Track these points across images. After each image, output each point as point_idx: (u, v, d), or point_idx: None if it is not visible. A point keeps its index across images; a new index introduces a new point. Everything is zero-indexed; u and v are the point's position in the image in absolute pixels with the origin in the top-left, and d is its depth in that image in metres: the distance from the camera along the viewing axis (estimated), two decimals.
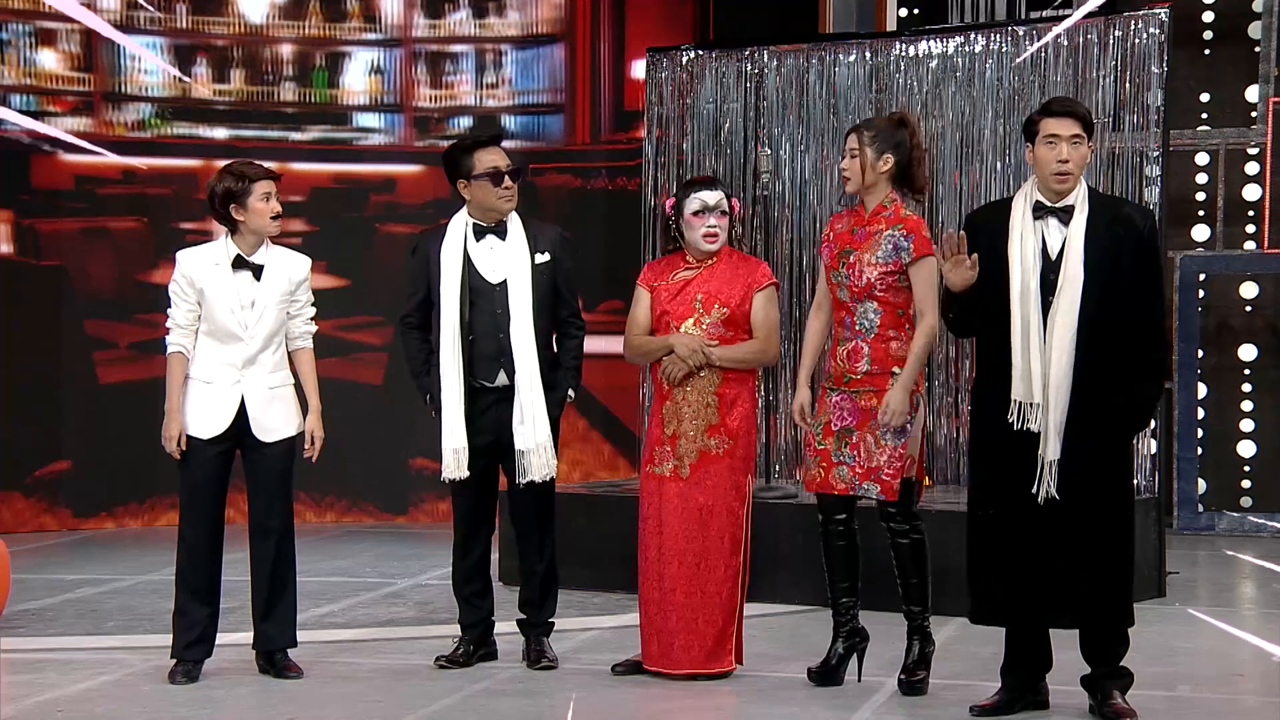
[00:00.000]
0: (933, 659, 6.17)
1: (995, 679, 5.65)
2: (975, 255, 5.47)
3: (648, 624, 6.38)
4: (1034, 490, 5.45)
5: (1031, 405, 5.46)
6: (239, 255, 6.38)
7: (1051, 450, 5.46)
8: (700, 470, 6.33)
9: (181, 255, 6.46)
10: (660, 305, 6.41)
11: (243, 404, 6.35)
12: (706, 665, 6.32)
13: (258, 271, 6.38)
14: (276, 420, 6.40)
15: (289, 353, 6.50)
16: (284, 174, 11.42)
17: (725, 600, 6.33)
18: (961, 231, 5.56)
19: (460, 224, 6.61)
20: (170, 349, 6.41)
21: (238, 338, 6.35)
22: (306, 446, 6.47)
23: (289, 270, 6.46)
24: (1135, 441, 5.86)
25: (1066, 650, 5.70)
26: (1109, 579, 5.51)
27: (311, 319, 6.55)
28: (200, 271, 6.37)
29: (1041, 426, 5.45)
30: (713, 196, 6.37)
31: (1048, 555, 5.46)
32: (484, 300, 6.53)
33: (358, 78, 11.58)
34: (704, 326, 6.34)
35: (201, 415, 6.36)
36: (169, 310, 6.43)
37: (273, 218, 6.38)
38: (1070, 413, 5.46)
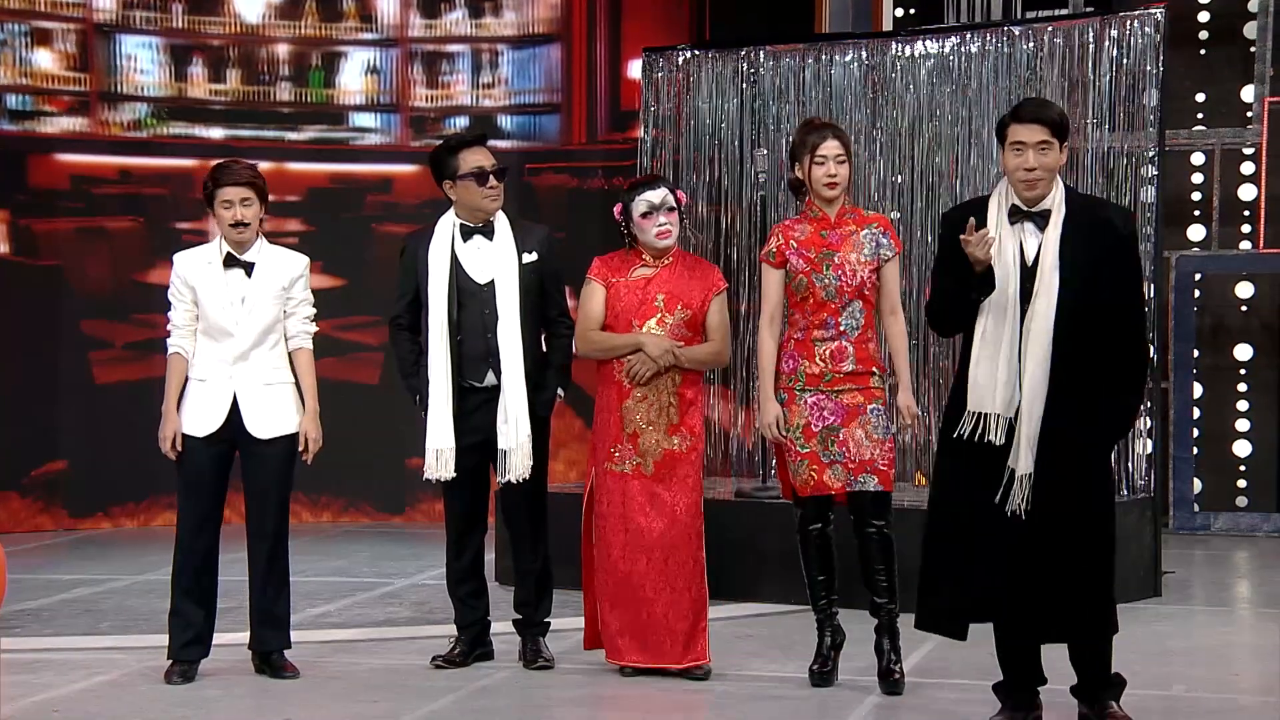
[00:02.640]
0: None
1: (985, 677, 5.62)
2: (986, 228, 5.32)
3: (615, 620, 6.40)
4: (998, 501, 5.26)
5: (997, 418, 5.28)
6: (229, 254, 6.40)
7: (1024, 464, 5.27)
8: (664, 468, 6.36)
9: (177, 257, 6.51)
10: (619, 302, 6.42)
11: (236, 401, 6.36)
12: (680, 659, 6.35)
13: (249, 269, 6.39)
14: (271, 417, 6.39)
15: (289, 353, 6.51)
16: (280, 174, 11.54)
17: (694, 595, 6.37)
18: (972, 219, 5.33)
19: (448, 224, 6.62)
20: (169, 350, 6.46)
21: (229, 334, 6.36)
22: (300, 448, 6.47)
23: (283, 268, 6.46)
24: (1127, 443, 5.70)
25: (1062, 651, 5.68)
26: (1090, 594, 5.33)
27: (309, 319, 6.53)
28: (193, 271, 6.40)
29: (1015, 438, 5.26)
30: (657, 195, 6.40)
31: (1024, 569, 5.28)
32: (472, 300, 6.54)
33: (354, 77, 11.58)
34: (667, 326, 6.37)
35: (196, 413, 6.37)
36: (169, 313, 6.47)
37: (233, 225, 6.36)
38: (1045, 424, 5.27)
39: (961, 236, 5.31)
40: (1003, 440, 5.30)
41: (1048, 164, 5.34)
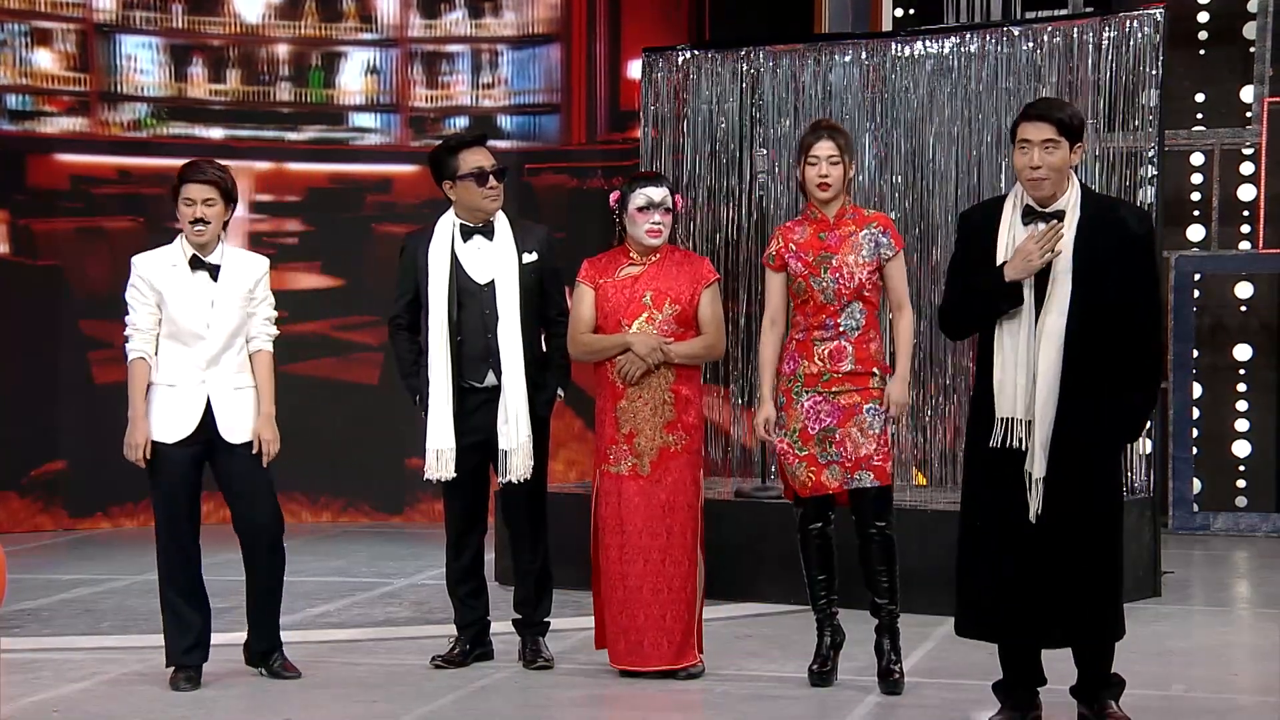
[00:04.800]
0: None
1: (985, 677, 5.63)
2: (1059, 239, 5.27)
3: (613, 623, 6.40)
4: (1029, 508, 5.26)
5: (1017, 421, 5.27)
6: (195, 255, 6.33)
7: (1039, 467, 5.27)
8: (660, 467, 6.35)
9: (137, 260, 6.40)
10: (607, 302, 6.41)
11: (209, 406, 6.29)
12: (676, 661, 6.36)
13: (214, 272, 6.33)
14: (244, 420, 6.32)
15: (249, 355, 6.40)
16: (280, 174, 11.57)
17: (689, 595, 6.37)
18: (1054, 221, 5.30)
19: (448, 224, 6.62)
20: (131, 356, 6.34)
21: (200, 337, 6.28)
22: (255, 450, 6.34)
23: (247, 270, 6.39)
24: (1124, 450, 5.65)
25: (1062, 651, 5.68)
26: (1098, 596, 5.32)
27: (270, 319, 6.42)
28: (158, 274, 6.32)
29: (1030, 442, 5.26)
30: (657, 193, 6.39)
31: (1036, 571, 5.29)
32: (472, 301, 6.55)
33: (354, 78, 11.59)
34: (656, 324, 6.36)
35: (168, 419, 6.28)
36: (127, 317, 6.35)
37: (192, 222, 6.28)
38: (1057, 426, 5.26)
39: (1031, 236, 5.26)
40: (1026, 446, 5.29)
41: (1053, 163, 5.29)
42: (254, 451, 6.34)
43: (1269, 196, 11.09)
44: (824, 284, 6.18)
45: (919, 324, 8.74)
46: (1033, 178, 5.32)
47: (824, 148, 6.21)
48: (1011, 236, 5.34)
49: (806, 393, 6.19)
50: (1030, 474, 5.28)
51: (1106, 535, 5.35)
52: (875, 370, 6.22)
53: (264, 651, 6.48)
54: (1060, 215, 5.32)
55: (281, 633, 6.52)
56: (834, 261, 6.19)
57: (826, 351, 6.18)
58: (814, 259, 6.20)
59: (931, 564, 7.18)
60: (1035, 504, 5.28)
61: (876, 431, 6.17)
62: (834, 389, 6.18)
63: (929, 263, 9.11)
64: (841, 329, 6.18)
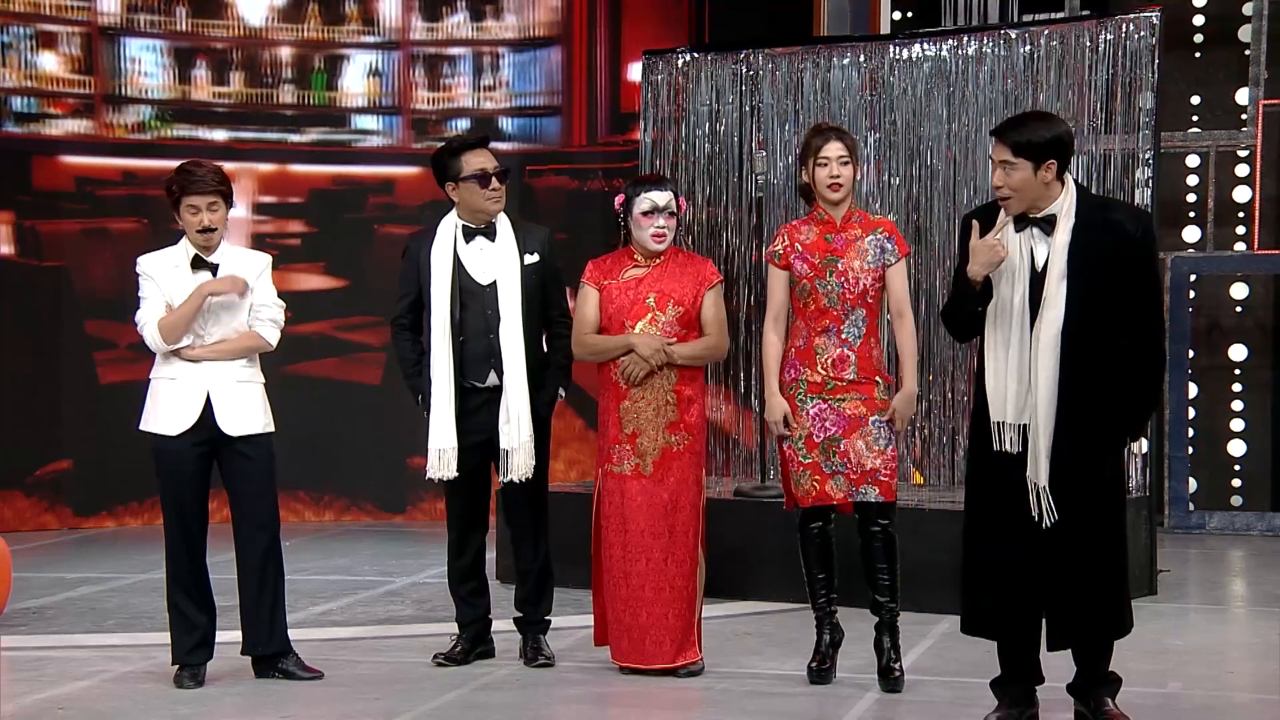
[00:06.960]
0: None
1: (984, 674, 5.66)
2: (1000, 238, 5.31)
3: (615, 621, 6.44)
4: (1034, 516, 5.26)
5: (1010, 426, 5.27)
6: (196, 255, 6.36)
7: (1041, 474, 5.26)
8: (663, 467, 6.39)
9: (141, 260, 6.45)
10: (611, 304, 6.45)
11: (209, 399, 6.30)
12: (676, 658, 6.40)
13: (215, 270, 6.35)
14: (246, 414, 6.33)
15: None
16: (283, 176, 11.60)
17: (690, 594, 6.41)
18: (975, 222, 5.35)
19: (450, 226, 6.67)
20: (151, 323, 6.30)
21: (200, 336, 6.31)
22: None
23: (246, 267, 6.42)
24: (1125, 451, 5.65)
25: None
26: (1103, 596, 5.34)
27: (269, 315, 6.40)
28: (161, 274, 6.36)
29: (1031, 448, 5.26)
30: (662, 197, 6.42)
31: (1040, 573, 5.31)
32: (474, 301, 6.59)
33: (356, 80, 11.64)
34: (660, 325, 6.39)
35: (169, 411, 6.30)
36: (139, 313, 6.35)
37: (200, 230, 6.31)
38: (1058, 431, 5.25)
39: (972, 242, 5.31)
40: (1019, 449, 5.29)
41: (1013, 183, 5.29)
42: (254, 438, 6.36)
43: (1264, 198, 11.14)
44: (829, 287, 6.19)
45: (916, 325, 8.78)
46: (997, 195, 5.35)
47: (834, 148, 6.22)
48: (1004, 242, 5.33)
49: (811, 399, 6.20)
50: (1033, 480, 5.28)
51: (1111, 535, 5.36)
52: (878, 379, 6.22)
53: (269, 656, 6.45)
54: (1052, 220, 5.32)
55: (289, 632, 6.55)
56: (840, 265, 6.19)
57: (830, 360, 6.18)
58: (820, 261, 6.22)
59: (930, 562, 7.23)
60: (1040, 510, 5.27)
61: (882, 446, 6.17)
62: (839, 396, 6.18)
63: (927, 264, 9.17)
64: (844, 336, 6.18)
